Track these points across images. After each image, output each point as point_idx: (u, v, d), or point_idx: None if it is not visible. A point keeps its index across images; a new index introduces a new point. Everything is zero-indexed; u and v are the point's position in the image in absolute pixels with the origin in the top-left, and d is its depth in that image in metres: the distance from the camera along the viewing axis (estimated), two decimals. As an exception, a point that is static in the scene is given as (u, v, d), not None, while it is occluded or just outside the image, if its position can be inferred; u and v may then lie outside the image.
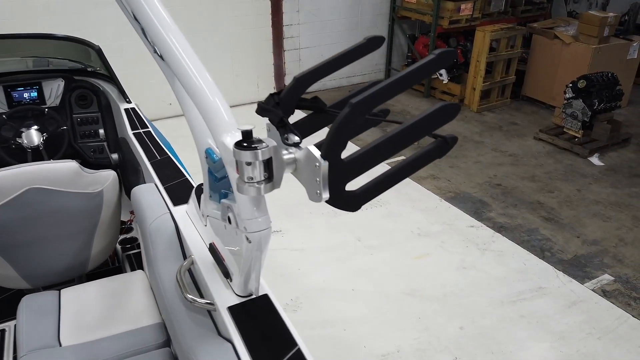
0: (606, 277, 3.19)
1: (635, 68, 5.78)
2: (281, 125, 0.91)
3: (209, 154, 1.15)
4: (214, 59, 5.36)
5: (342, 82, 6.40)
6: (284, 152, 0.89)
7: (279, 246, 3.38)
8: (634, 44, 5.54)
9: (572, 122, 4.85)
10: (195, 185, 1.45)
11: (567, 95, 4.83)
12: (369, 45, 1.00)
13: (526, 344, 2.65)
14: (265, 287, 1.19)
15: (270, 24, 5.59)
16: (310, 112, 1.03)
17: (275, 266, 3.18)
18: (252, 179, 0.86)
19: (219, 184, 1.14)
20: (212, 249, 1.22)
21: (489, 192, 4.10)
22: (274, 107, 0.93)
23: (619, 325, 2.81)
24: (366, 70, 6.54)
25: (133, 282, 1.74)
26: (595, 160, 4.66)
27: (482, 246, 3.43)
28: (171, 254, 1.36)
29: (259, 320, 1.09)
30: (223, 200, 1.09)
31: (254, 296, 1.17)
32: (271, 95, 0.96)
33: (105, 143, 2.60)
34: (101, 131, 2.60)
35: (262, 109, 0.95)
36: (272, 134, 0.96)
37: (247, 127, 0.86)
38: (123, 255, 2.27)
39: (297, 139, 0.90)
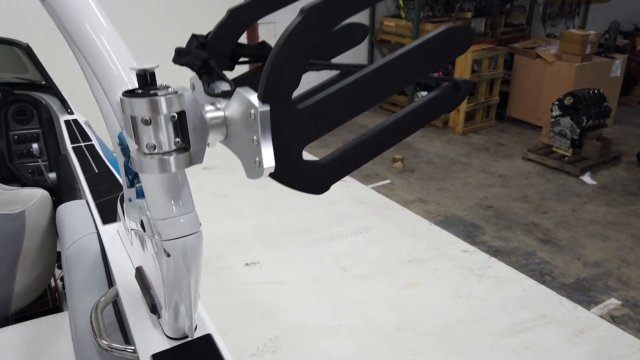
0: (613, 302, 2.93)
1: (618, 86, 5.70)
2: (204, 71, 0.63)
3: (121, 139, 0.86)
4: (178, 81, 5.13)
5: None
6: (208, 107, 0.60)
7: (256, 279, 3.07)
8: (617, 62, 5.47)
9: (561, 141, 4.68)
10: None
11: (554, 113, 4.68)
12: None
13: (535, 381, 2.36)
14: (208, 324, 0.89)
15: (246, 48, 5.41)
16: (256, 65, 0.72)
17: (251, 302, 2.87)
18: (154, 147, 0.56)
19: (137, 180, 0.84)
20: (139, 274, 0.92)
21: (481, 215, 3.86)
22: (195, 49, 0.64)
23: (632, 354, 2.55)
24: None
25: (61, 325, 1.42)
26: (587, 179, 4.48)
27: (478, 272, 3.16)
28: (93, 285, 1.07)
29: None
30: (138, 200, 0.81)
31: (189, 338, 0.86)
32: (194, 35, 0.66)
33: (44, 162, 2.30)
34: (36, 147, 2.28)
35: (180, 53, 0.65)
36: (197, 93, 0.67)
37: (146, 66, 0.56)
38: (63, 292, 1.95)
39: (226, 85, 0.61)
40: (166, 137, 0.57)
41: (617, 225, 3.74)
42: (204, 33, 0.68)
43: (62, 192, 1.82)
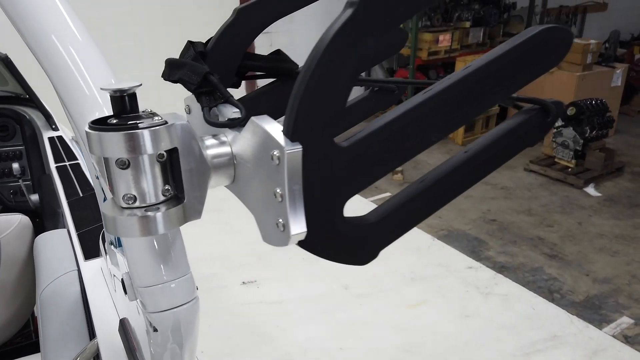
0: (625, 320, 2.82)
1: (619, 96, 5.63)
2: (204, 90, 0.47)
3: None
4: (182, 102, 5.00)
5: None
6: (210, 141, 0.44)
7: (254, 299, 2.93)
8: (617, 71, 5.41)
9: (564, 152, 4.60)
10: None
11: (557, 124, 4.59)
12: None
13: (549, 408, 2.24)
14: None
15: (242, 58, 5.30)
16: (270, 80, 0.59)
17: (249, 323, 2.73)
18: (134, 199, 0.41)
19: None
20: (123, 328, 0.77)
21: (485, 229, 3.75)
22: (193, 60, 0.49)
23: (648, 377, 2.43)
24: (344, 105, 6.27)
25: None
26: (591, 190, 4.38)
27: (484, 290, 3.04)
28: (71, 336, 0.93)
29: None
30: (118, 249, 0.67)
31: None
32: (191, 43, 0.52)
33: (27, 182, 2.15)
34: (16, 167, 2.12)
35: (172, 66, 0.49)
36: (194, 118, 0.53)
37: (123, 85, 0.40)
38: None
39: (234, 111, 0.45)
40: (151, 186, 0.41)
41: (625, 239, 3.63)
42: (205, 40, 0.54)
43: (45, 216, 1.69)
